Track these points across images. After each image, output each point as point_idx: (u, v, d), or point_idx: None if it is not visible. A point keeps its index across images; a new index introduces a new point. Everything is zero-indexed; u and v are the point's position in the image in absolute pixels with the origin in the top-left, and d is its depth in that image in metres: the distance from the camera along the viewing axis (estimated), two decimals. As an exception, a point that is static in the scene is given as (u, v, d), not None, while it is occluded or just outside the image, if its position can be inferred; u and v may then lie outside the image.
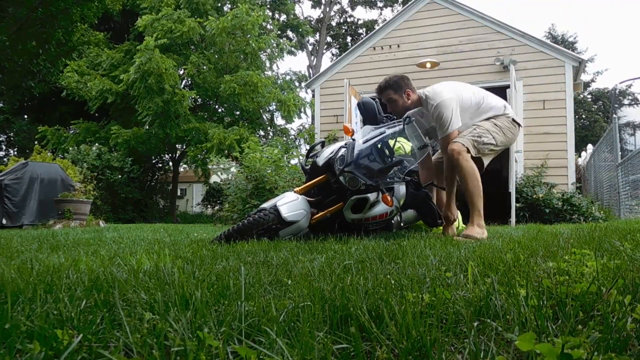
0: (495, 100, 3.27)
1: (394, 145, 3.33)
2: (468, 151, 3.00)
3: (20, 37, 10.80)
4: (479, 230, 2.98)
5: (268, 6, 22.90)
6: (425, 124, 3.25)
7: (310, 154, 3.35)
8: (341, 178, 2.91)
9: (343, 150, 3.01)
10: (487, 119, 3.18)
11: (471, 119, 3.20)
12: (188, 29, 14.58)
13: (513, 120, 3.20)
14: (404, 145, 3.83)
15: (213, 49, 15.67)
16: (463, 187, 3.05)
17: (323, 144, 3.40)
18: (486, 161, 3.18)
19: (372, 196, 2.92)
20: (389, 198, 2.87)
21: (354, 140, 3.03)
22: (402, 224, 3.50)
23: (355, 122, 7.83)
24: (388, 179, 3.01)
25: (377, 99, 3.49)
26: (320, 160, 3.11)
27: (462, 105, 3.16)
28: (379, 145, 3.04)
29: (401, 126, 3.06)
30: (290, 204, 2.93)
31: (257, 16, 14.84)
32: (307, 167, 3.27)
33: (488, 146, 3.08)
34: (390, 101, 3.22)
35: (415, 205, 3.41)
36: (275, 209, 2.89)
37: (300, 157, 10.32)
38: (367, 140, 2.98)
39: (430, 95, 3.17)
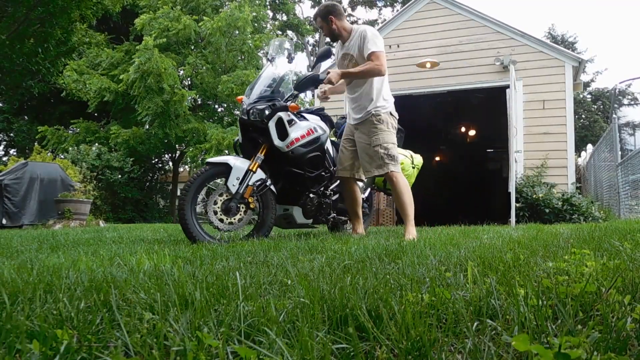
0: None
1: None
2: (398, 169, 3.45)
3: (19, 36, 10.77)
4: (412, 236, 3.25)
5: (268, 6, 22.84)
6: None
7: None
8: (252, 118, 3.23)
9: (243, 106, 3.38)
10: (382, 121, 3.41)
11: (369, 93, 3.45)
12: (184, 26, 14.54)
13: (391, 113, 3.49)
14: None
15: (210, 48, 15.65)
16: (398, 201, 3.43)
17: None
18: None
19: (283, 115, 3.25)
20: (294, 104, 3.32)
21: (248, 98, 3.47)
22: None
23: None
24: (283, 98, 3.37)
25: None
26: (239, 137, 3.44)
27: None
28: (265, 83, 3.45)
29: (270, 67, 3.55)
30: (216, 157, 3.47)
31: (250, 11, 14.80)
32: (241, 155, 3.51)
33: (395, 150, 3.45)
34: (321, 28, 3.56)
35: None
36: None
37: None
38: (252, 86, 3.44)
39: (368, 32, 3.37)
